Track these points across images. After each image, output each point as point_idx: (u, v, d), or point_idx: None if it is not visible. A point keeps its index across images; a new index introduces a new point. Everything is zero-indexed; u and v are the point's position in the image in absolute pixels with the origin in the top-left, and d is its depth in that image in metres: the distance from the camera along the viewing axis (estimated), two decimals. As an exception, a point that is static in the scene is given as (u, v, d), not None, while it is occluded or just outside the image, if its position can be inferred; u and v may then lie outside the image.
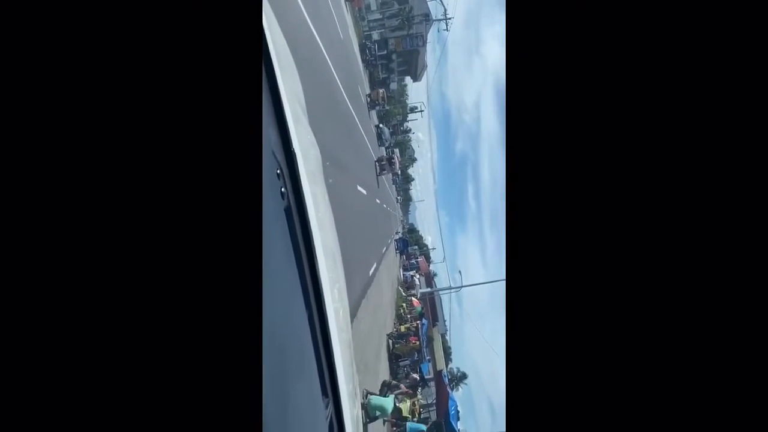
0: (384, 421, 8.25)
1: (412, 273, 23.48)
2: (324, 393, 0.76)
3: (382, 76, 28.74)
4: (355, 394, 0.98)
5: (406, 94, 47.26)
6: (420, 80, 45.18)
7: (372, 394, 6.54)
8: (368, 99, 17.47)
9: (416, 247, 41.87)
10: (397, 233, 27.91)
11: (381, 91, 19.06)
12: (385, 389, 7.12)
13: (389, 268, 15.59)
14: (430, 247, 59.05)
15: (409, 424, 8.30)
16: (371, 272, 9.09)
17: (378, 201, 14.40)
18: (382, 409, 6.54)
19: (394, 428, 8.60)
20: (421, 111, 43.42)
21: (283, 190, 0.64)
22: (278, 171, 0.63)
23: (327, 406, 0.76)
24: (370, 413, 6.38)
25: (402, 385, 7.95)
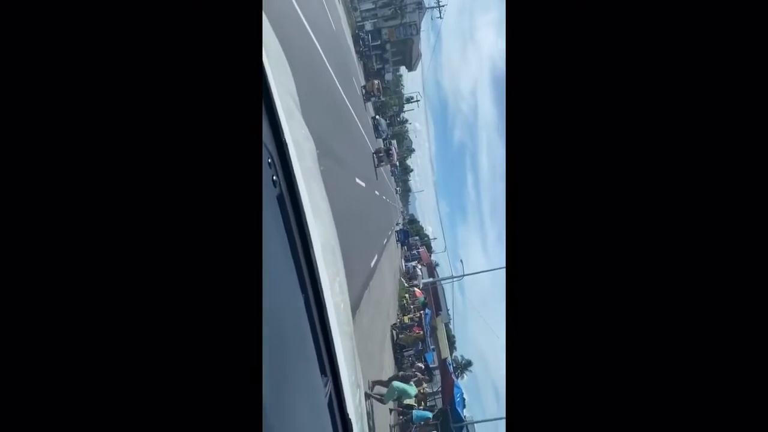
0: (390, 411, 8.36)
1: (413, 263, 23.53)
2: (323, 373, 0.77)
3: (376, 66, 28.48)
4: (358, 385, 0.99)
5: (402, 85, 46.88)
6: (415, 70, 44.79)
7: (378, 383, 6.64)
8: (363, 91, 17.32)
9: (417, 237, 41.88)
10: (397, 224, 27.89)
11: (376, 82, 18.89)
12: (399, 380, 7.27)
13: (391, 260, 15.63)
14: (431, 237, 59.10)
15: (415, 412, 8.42)
16: (373, 264, 9.12)
17: (377, 193, 14.38)
18: (405, 392, 6.71)
19: (401, 417, 8.71)
20: (418, 101, 43.12)
21: (274, 178, 0.64)
22: (270, 160, 0.62)
23: (326, 385, 0.77)
24: (387, 396, 6.53)
25: (418, 374, 8.09)
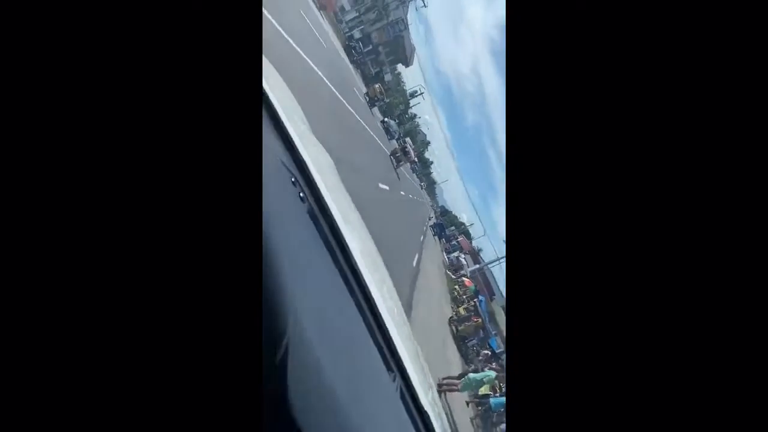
0: (467, 403, 8.25)
1: (456, 254, 23.27)
2: (390, 369, 0.76)
3: (374, 71, 28.59)
4: (430, 385, 0.99)
5: (403, 82, 46.78)
6: (412, 64, 44.54)
7: (448, 378, 6.60)
8: (366, 98, 17.43)
9: (453, 228, 41.43)
10: (430, 219, 27.71)
11: (377, 86, 18.96)
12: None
13: (432, 256, 15.52)
14: (467, 224, 58.21)
15: (492, 400, 8.27)
16: (415, 263, 9.09)
17: (403, 193, 14.36)
18: (486, 377, 6.68)
19: (479, 408, 8.57)
20: (422, 93, 42.83)
21: (301, 195, 0.64)
22: (293, 180, 0.63)
23: (394, 380, 0.76)
24: (464, 387, 6.52)
25: (488, 365, 8.01)
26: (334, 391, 0.45)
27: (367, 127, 12.17)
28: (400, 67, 43.89)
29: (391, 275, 1.15)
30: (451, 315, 12.12)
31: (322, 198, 0.70)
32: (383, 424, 0.61)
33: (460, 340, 11.36)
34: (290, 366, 0.40)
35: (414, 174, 31.23)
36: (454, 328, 11.41)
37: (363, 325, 0.71)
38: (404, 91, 43.06)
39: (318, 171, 0.71)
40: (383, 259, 1.10)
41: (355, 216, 0.96)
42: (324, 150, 0.97)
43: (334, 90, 8.74)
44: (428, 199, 43.13)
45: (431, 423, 0.82)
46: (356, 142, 9.00)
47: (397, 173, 14.35)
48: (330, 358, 0.47)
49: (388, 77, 35.99)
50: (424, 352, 1.11)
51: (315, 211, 0.68)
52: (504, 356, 13.14)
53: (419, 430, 0.77)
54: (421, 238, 14.11)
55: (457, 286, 15.80)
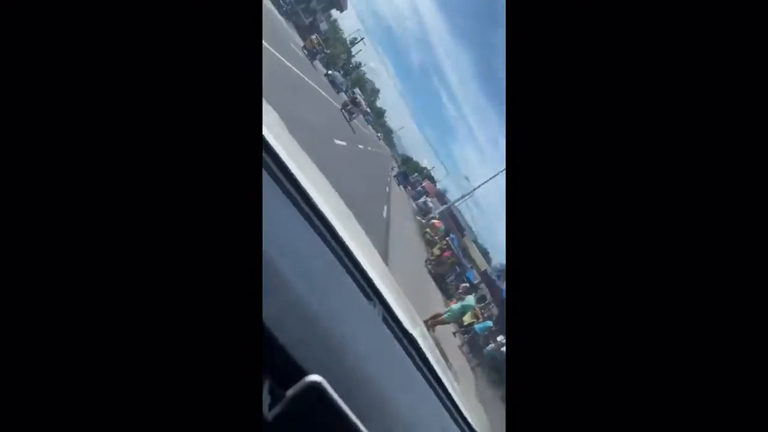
0: (454, 334, 8.86)
1: (422, 199, 23.74)
2: (374, 303, 0.78)
3: (307, 21, 26.66)
4: (416, 321, 1.03)
5: (340, 30, 44.21)
6: (346, 8, 41.91)
7: (433, 319, 7.00)
8: (305, 51, 16.44)
9: (416, 174, 41.83)
10: (393, 169, 27.76)
11: (314, 37, 17.84)
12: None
13: (399, 204, 15.75)
14: (429, 168, 58.88)
15: (476, 326, 8.91)
16: (384, 214, 9.21)
17: (361, 146, 14.14)
18: (466, 307, 7.14)
19: (465, 335, 9.24)
20: (362, 39, 40.89)
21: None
22: None
23: (377, 310, 0.76)
24: (448, 317, 6.98)
25: (468, 296, 8.50)
26: (311, 306, 0.46)
27: (311, 82, 11.58)
28: (335, 13, 41.24)
29: (364, 229, 1.15)
30: (426, 257, 12.60)
31: (281, 159, 0.66)
32: (366, 342, 0.62)
33: (439, 278, 11.94)
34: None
35: (369, 125, 30.63)
36: (431, 268, 11.92)
37: (339, 265, 0.71)
38: (344, 39, 40.88)
39: (269, 130, 0.66)
40: (355, 216, 1.09)
41: (316, 174, 0.93)
42: (269, 107, 0.90)
43: (269, 47, 8.14)
44: (387, 149, 42.81)
45: (417, 343, 0.86)
46: (303, 100, 8.59)
47: (351, 127, 14.01)
48: (304, 285, 0.48)
49: (323, 26, 33.82)
50: (406, 295, 1.14)
51: (277, 173, 0.65)
52: (482, 286, 14.03)
53: (406, 348, 0.80)
54: (387, 189, 14.19)
55: (428, 229, 16.29)
